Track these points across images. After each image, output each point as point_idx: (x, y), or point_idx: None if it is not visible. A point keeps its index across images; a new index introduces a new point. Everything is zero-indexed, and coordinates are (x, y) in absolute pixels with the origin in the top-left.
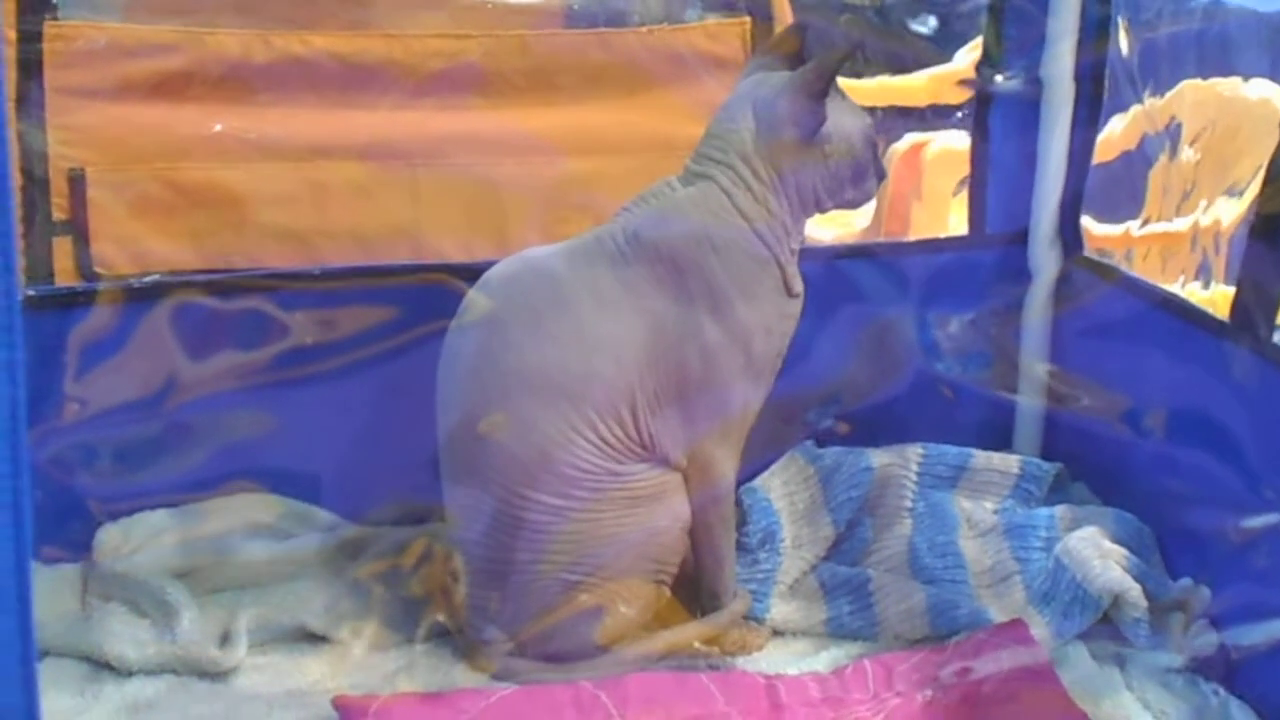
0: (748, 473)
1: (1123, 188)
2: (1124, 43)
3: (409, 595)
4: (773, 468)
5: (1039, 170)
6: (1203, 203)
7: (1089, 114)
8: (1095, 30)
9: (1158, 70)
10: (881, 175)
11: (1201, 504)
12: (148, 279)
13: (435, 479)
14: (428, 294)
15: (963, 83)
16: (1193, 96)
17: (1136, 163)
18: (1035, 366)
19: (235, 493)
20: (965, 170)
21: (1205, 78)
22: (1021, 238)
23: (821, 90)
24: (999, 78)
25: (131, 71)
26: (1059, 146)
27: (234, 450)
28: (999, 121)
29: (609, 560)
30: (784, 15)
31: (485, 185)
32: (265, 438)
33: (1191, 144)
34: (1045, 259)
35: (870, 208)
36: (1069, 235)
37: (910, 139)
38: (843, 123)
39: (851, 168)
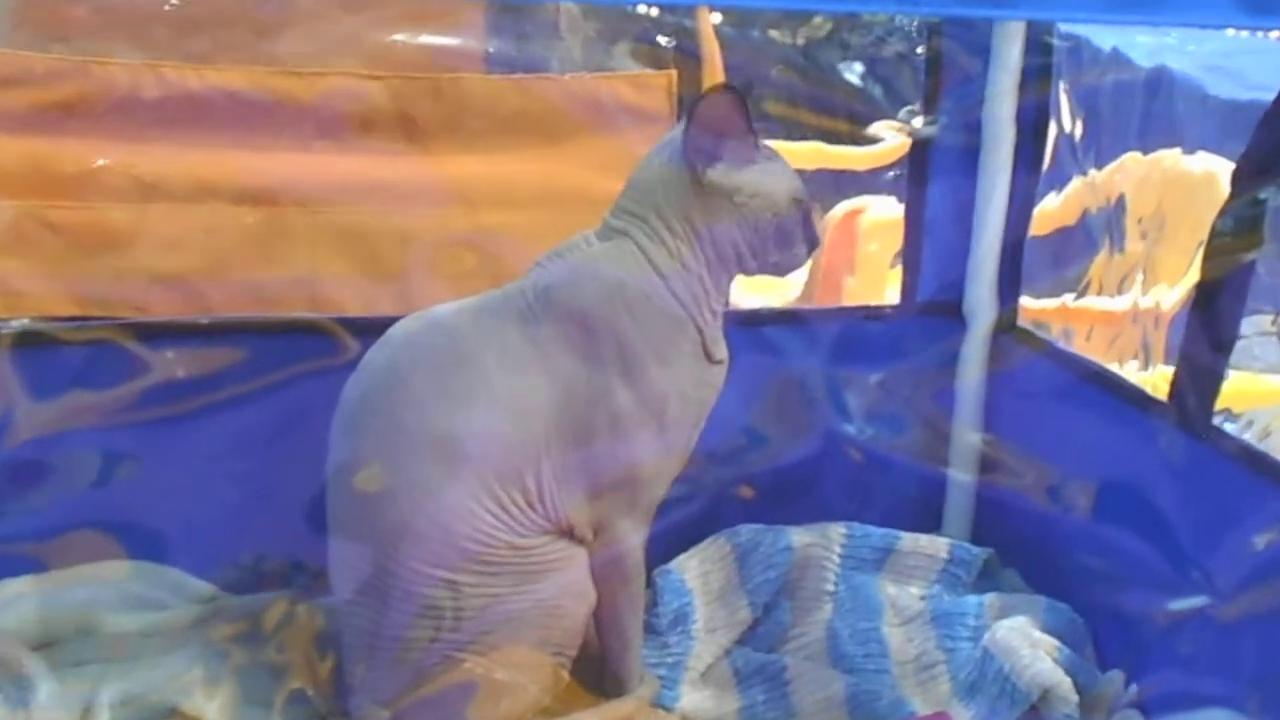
0: (662, 552)
1: (1061, 263)
2: (1065, 110)
3: (269, 662)
4: (691, 550)
5: (977, 218)
6: (1142, 279)
7: (1030, 162)
8: (1036, 79)
9: (1099, 140)
10: (813, 242)
11: (1131, 586)
12: (15, 324)
13: (312, 540)
14: (324, 348)
15: (899, 131)
16: (1136, 171)
17: (1075, 238)
18: (967, 435)
19: (104, 551)
20: (900, 238)
21: (1147, 151)
22: (954, 308)
23: (715, 117)
24: (934, 125)
25: (9, 100)
26: (998, 196)
27: (97, 503)
28: (936, 173)
29: (504, 639)
30: (714, 66)
31: (390, 236)
32: (135, 491)
33: (1138, 221)
34: (980, 318)
35: (802, 278)
36: (1005, 295)
37: (845, 207)
38: (761, 178)
39: (774, 226)
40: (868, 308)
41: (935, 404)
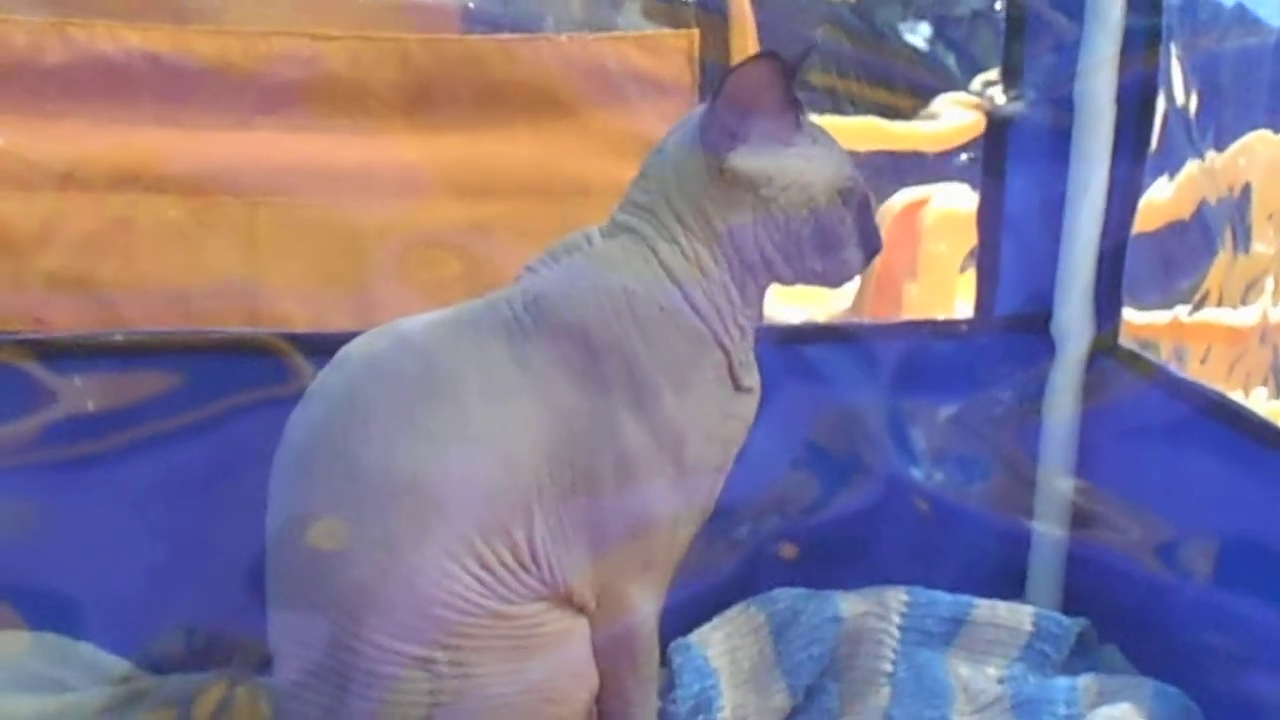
0: (680, 623)
1: (1173, 268)
2: (1177, 80)
3: None
4: (717, 619)
5: (1069, 213)
6: (1272, 287)
7: (1135, 146)
8: (1143, 43)
9: (1220, 116)
10: (872, 246)
11: (1258, 669)
12: None
13: (254, 608)
14: (264, 370)
15: (976, 108)
16: (1265, 154)
17: (1190, 237)
18: (1057, 481)
19: None
20: (974, 237)
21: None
22: (1042, 322)
23: (749, 91)
24: (1018, 100)
25: None
26: (1095, 188)
27: None
28: (1018, 160)
29: None
30: (744, 24)
31: (346, 233)
32: (34, 547)
33: (1268, 217)
34: (1074, 337)
35: (852, 286)
36: (1104, 309)
37: (905, 197)
38: (796, 164)
39: (812, 226)
40: (934, 323)
41: (1018, 442)
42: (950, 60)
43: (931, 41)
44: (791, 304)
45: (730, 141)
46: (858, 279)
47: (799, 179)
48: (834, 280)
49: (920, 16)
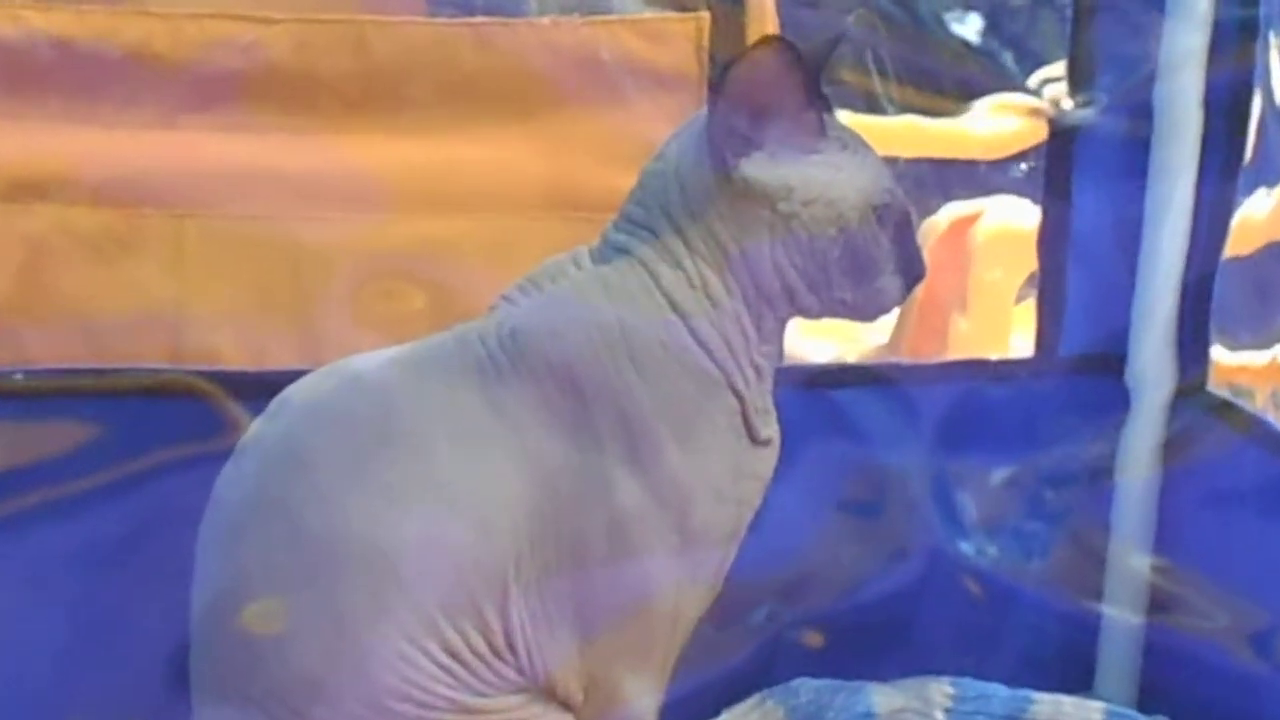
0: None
1: (1270, 299)
2: (1277, 78)
3: None
4: (726, 716)
5: (1147, 234)
6: None
7: (1226, 156)
8: (1235, 38)
9: None
10: (914, 273)
11: None
12: None
13: (178, 701)
14: (191, 416)
15: (1032, 114)
16: None
17: None
18: (1131, 557)
19: None
20: (1034, 260)
21: None
22: (1114, 364)
23: (758, 85)
24: (1085, 106)
25: None
26: (1179, 206)
27: None
28: (1087, 171)
29: None
30: (762, 9)
31: (290, 252)
32: None
33: None
34: (1153, 383)
35: (889, 318)
36: (1189, 350)
37: (953, 212)
38: (821, 174)
39: (841, 247)
40: (986, 364)
41: (1086, 509)
42: (1006, 56)
43: (984, 34)
44: (816, 339)
45: (741, 146)
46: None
47: (825, 191)
48: (867, 313)
49: (971, 6)
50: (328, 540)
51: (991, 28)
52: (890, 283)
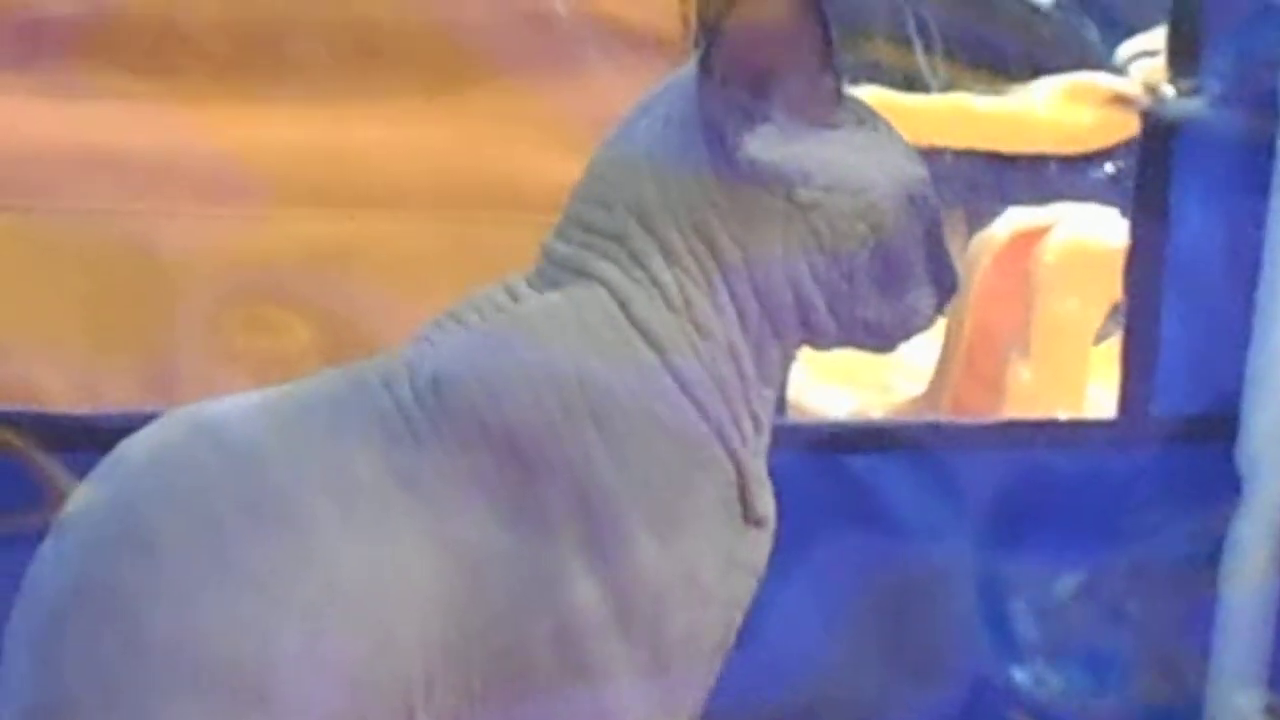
0: None
1: None
2: None
3: None
4: None
5: (1267, 276)
6: None
7: None
8: None
9: None
10: (950, 283)
11: None
12: None
13: None
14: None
15: (1119, 102)
16: None
17: None
18: (1237, 695)
19: None
20: (1119, 287)
21: None
22: (1221, 431)
23: (761, 39)
24: (1190, 95)
25: None
26: None
27: None
28: (1189, 180)
29: None
30: None
31: (132, 258)
32: None
33: None
34: (1271, 460)
35: (924, 356)
36: None
37: (1013, 222)
38: (848, 157)
39: (872, 251)
40: (1055, 426)
41: (1179, 628)
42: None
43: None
44: (830, 385)
45: (744, 119)
46: (934, 347)
47: (850, 176)
48: (893, 337)
49: None
50: (174, 646)
51: None
52: (923, 296)
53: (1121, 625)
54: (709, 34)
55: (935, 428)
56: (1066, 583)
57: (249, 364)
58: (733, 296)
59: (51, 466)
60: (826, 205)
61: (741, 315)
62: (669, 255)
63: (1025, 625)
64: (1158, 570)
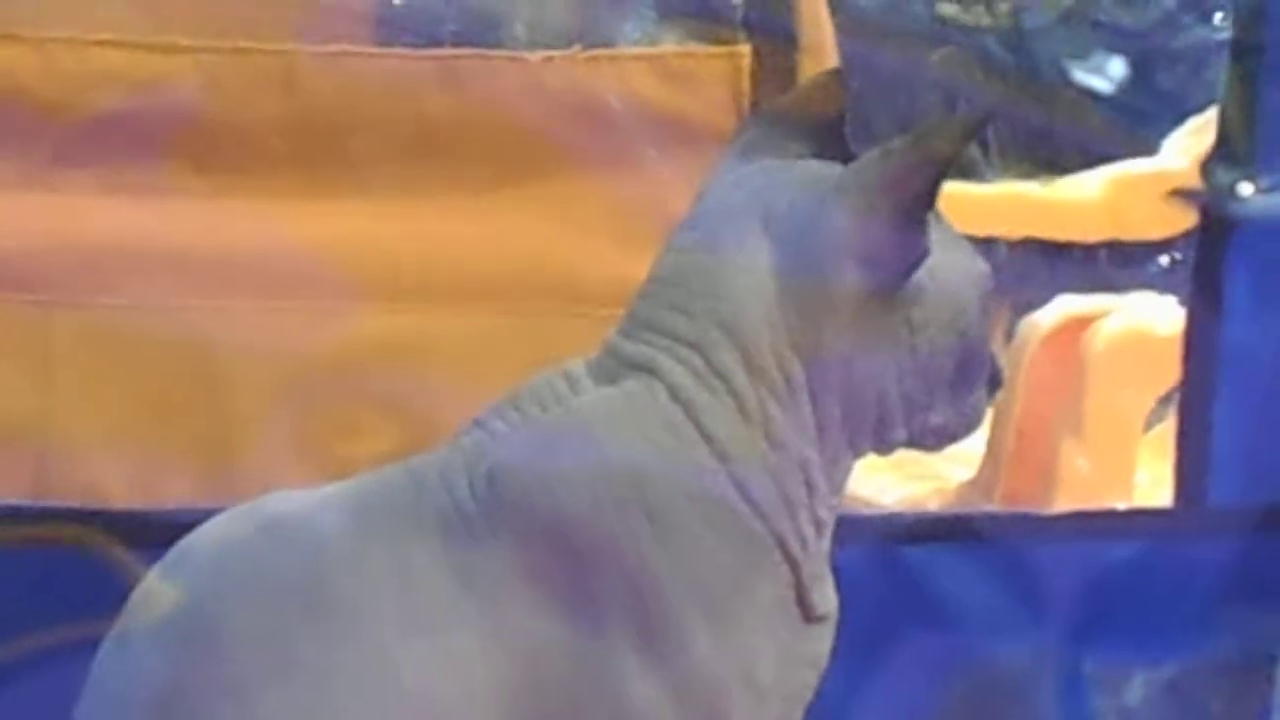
0: None
1: None
2: None
3: None
4: None
5: None
6: None
7: None
8: None
9: None
10: (997, 379)
11: None
12: None
13: None
14: (56, 568)
15: (1176, 195)
16: None
17: None
18: None
19: None
20: (1171, 375)
21: None
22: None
23: (926, 201)
24: (1249, 186)
25: None
26: None
27: None
28: (1247, 274)
29: None
30: (819, 43)
31: (193, 354)
32: None
33: None
34: None
35: (975, 443)
36: None
37: (1063, 309)
38: (943, 264)
39: (956, 358)
40: (1111, 516)
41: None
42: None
43: (1127, 87)
44: (877, 472)
45: (913, 248)
46: (982, 437)
47: (947, 285)
48: (955, 438)
49: (1115, 49)
50: None
51: (1139, 79)
52: (982, 397)
53: None
54: (885, 166)
55: (988, 516)
56: (1145, 684)
57: (311, 460)
58: (815, 412)
59: (129, 562)
60: (932, 324)
61: (821, 430)
62: (754, 370)
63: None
64: (1218, 669)
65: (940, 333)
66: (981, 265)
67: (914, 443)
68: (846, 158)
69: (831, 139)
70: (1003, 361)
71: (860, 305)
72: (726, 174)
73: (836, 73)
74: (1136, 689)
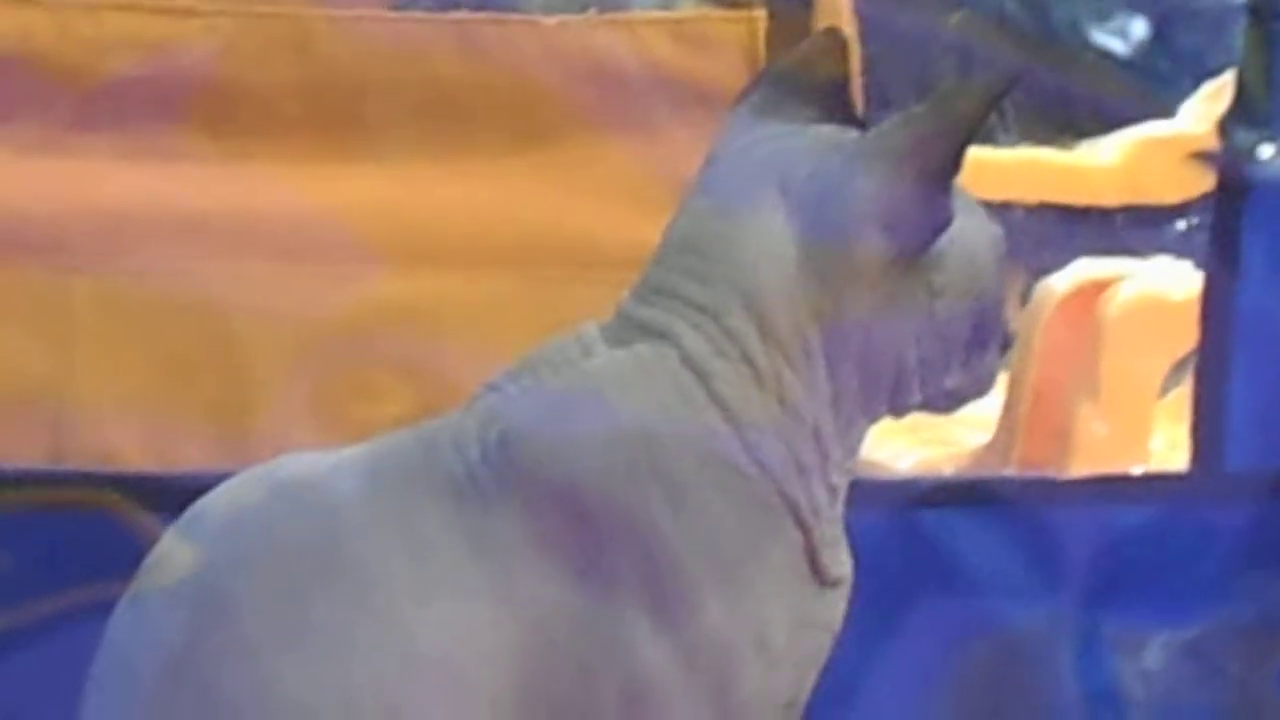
0: None
1: None
2: None
3: None
4: None
5: None
6: None
7: None
8: None
9: None
10: (1008, 341)
11: None
12: None
13: None
14: (74, 531)
15: (1196, 157)
16: None
17: None
18: None
19: None
20: (1187, 340)
21: None
22: None
23: (952, 166)
24: (1267, 148)
25: None
26: None
27: None
28: (1265, 238)
29: None
30: (833, 6)
31: (208, 318)
32: None
33: None
34: None
35: (990, 406)
36: None
37: (1079, 273)
38: (962, 228)
39: (972, 321)
40: (1129, 480)
41: (1265, 698)
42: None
43: (1147, 48)
44: (891, 437)
45: (943, 216)
46: (997, 401)
47: (965, 250)
48: (966, 400)
49: (1137, 8)
50: (252, 707)
51: (1160, 38)
52: (991, 357)
53: (1224, 688)
54: (910, 131)
55: (1006, 481)
56: (1163, 646)
57: (326, 423)
58: (831, 378)
59: (147, 524)
60: (950, 289)
61: (836, 396)
62: (769, 337)
63: (1131, 688)
64: (1248, 635)
65: (958, 297)
66: (996, 228)
67: (927, 405)
68: (852, 120)
69: (837, 101)
70: (1016, 324)
71: (883, 271)
72: (735, 138)
73: (834, 31)
74: (1155, 652)
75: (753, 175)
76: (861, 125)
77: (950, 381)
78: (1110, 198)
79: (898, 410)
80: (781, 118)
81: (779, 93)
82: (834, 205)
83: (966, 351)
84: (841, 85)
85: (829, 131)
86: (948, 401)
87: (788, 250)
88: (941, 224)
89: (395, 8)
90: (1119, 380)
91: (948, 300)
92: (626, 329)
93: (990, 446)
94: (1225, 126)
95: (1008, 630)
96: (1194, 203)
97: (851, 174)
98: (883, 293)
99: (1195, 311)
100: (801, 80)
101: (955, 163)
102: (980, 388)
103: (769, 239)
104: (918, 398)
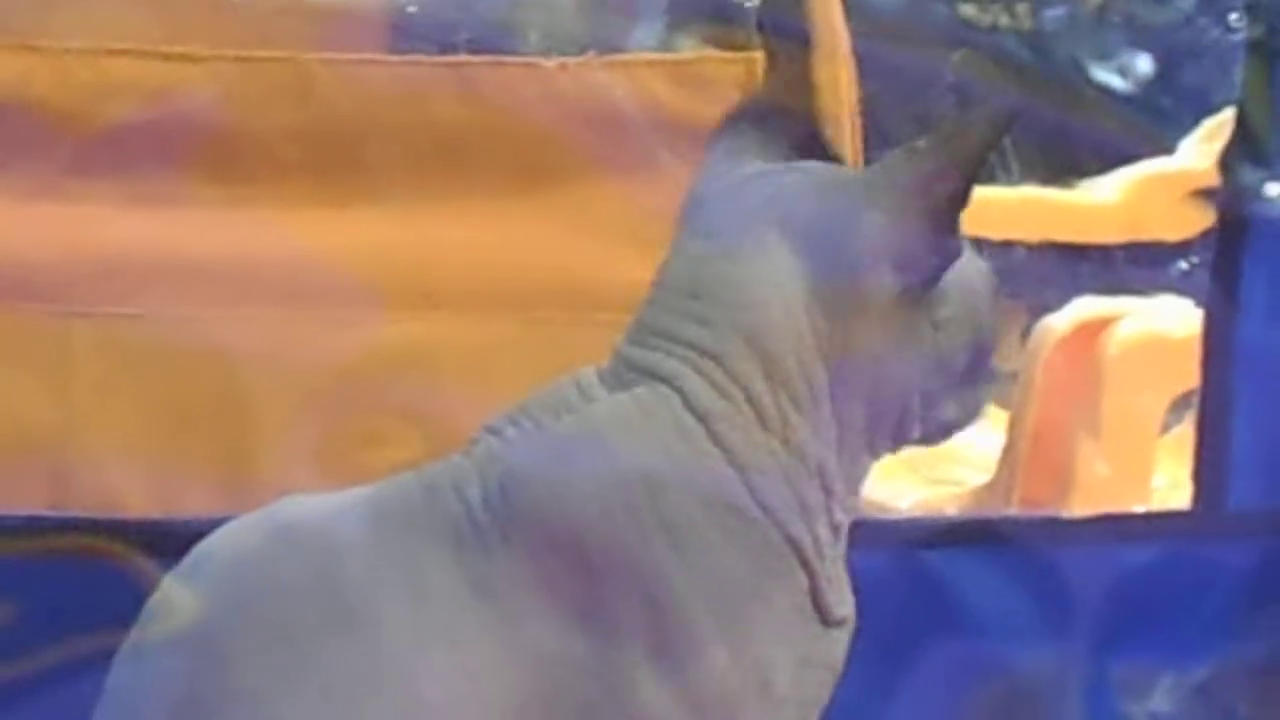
0: None
1: None
2: None
3: None
4: None
5: None
6: None
7: None
8: None
9: None
10: (992, 374)
11: None
12: None
13: None
14: (75, 579)
15: (1196, 194)
16: None
17: None
18: None
19: None
20: (1188, 378)
21: None
22: None
23: (959, 200)
24: (1274, 186)
25: None
26: None
27: None
28: (1266, 275)
29: None
30: (833, 48)
31: (211, 364)
32: None
33: None
34: None
35: (991, 445)
36: None
37: (1080, 311)
38: (961, 265)
39: (969, 354)
40: (1133, 519)
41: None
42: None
43: (1150, 85)
44: (892, 476)
45: (947, 253)
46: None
47: (965, 284)
48: (956, 431)
49: (1141, 45)
50: None
51: (1164, 76)
52: (981, 391)
53: None
54: (915, 169)
55: (1008, 521)
56: (1168, 686)
57: (330, 469)
58: (838, 415)
59: (149, 571)
60: (952, 324)
61: (842, 433)
62: (774, 377)
63: None
64: (1252, 674)
65: (959, 330)
66: (983, 263)
67: (926, 439)
68: (826, 154)
69: (808, 136)
70: (1016, 362)
71: (891, 307)
72: (716, 178)
73: (795, 66)
74: (1164, 693)
75: (751, 215)
76: (838, 159)
77: (946, 414)
78: (1111, 236)
79: (898, 444)
80: (758, 156)
81: (751, 131)
82: (843, 242)
83: (961, 383)
84: (809, 119)
85: (820, 168)
86: (941, 433)
87: (795, 289)
88: (951, 258)
89: (394, 51)
90: (1120, 418)
91: (949, 333)
92: (626, 372)
93: (991, 485)
94: (1226, 163)
95: (1012, 671)
96: (1195, 242)
97: (859, 210)
98: (890, 328)
99: (1196, 349)
100: (771, 117)
101: (964, 196)
102: (971, 419)
103: (775, 278)
104: (920, 431)
